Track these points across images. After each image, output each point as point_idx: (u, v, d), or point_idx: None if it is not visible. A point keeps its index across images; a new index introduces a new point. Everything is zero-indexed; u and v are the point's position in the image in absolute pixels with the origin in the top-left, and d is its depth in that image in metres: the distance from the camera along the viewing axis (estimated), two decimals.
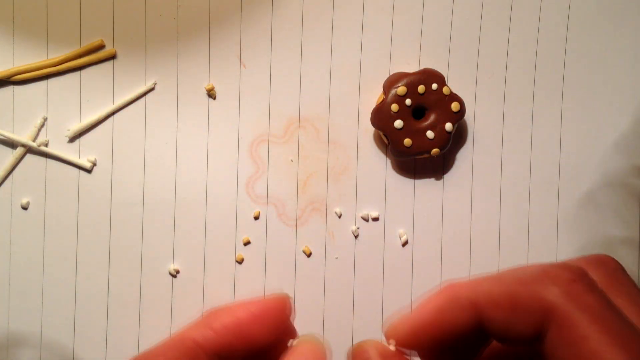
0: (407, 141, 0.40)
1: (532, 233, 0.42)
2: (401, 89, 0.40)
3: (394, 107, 0.40)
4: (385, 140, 0.41)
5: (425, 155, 0.41)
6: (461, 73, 0.42)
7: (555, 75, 0.42)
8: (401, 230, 0.42)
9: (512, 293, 0.20)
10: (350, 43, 0.42)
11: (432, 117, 0.40)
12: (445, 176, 0.43)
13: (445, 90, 0.40)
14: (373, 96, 0.42)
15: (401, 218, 0.42)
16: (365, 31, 0.42)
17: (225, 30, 0.42)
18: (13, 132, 0.42)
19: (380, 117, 0.40)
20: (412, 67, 0.42)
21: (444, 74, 0.42)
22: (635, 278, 0.42)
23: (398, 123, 0.40)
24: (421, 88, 0.40)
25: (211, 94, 0.42)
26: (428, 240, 0.42)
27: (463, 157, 0.43)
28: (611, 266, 0.21)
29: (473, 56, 0.42)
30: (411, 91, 0.40)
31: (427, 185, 0.42)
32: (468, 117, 0.42)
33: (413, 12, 0.42)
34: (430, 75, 0.40)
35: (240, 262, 0.42)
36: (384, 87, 0.41)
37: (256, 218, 0.42)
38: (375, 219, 0.42)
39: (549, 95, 0.42)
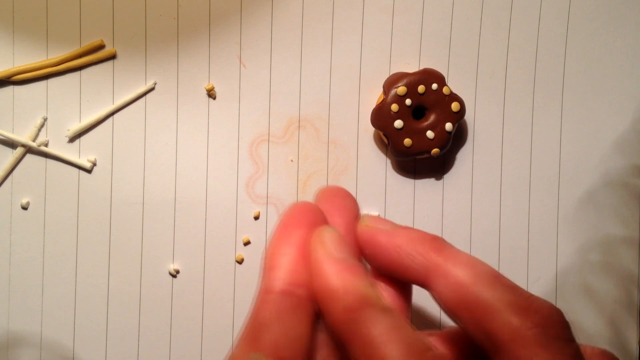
0: (407, 141, 0.40)
1: (532, 233, 0.42)
2: (401, 89, 0.40)
3: (394, 107, 0.40)
4: (385, 140, 0.41)
5: (425, 155, 0.41)
6: (461, 73, 0.42)
7: (555, 75, 0.42)
8: None
9: None
10: (350, 43, 0.42)
11: (432, 117, 0.40)
12: (445, 176, 0.43)
13: (445, 90, 0.40)
14: (373, 96, 0.42)
15: (401, 218, 0.42)
16: (365, 31, 0.42)
17: (225, 30, 0.42)
18: (13, 132, 0.42)
19: (380, 117, 0.40)
20: (412, 67, 0.42)
21: (444, 74, 0.42)
22: (635, 278, 0.42)
23: (398, 123, 0.40)
24: (421, 88, 0.40)
25: (211, 94, 0.42)
26: None
27: (463, 157, 0.42)
28: (551, 329, 0.20)
29: (473, 56, 0.42)
30: (411, 91, 0.40)
31: (427, 185, 0.42)
32: (468, 117, 0.42)
33: (413, 12, 0.42)
34: (430, 75, 0.40)
35: (240, 262, 0.42)
36: (384, 87, 0.41)
37: (256, 218, 0.42)
38: None
39: (549, 95, 0.42)
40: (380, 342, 0.20)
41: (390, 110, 0.40)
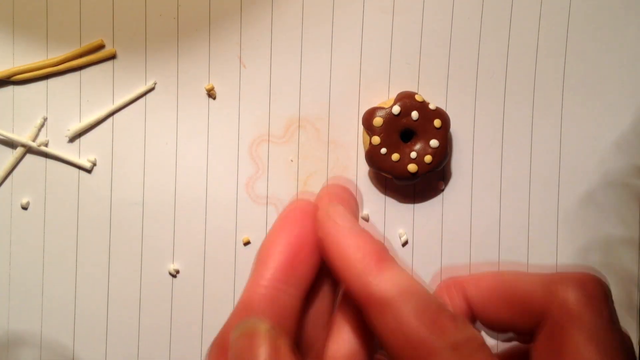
0: (412, 167, 0.40)
1: (532, 233, 0.42)
2: (380, 123, 0.40)
3: (384, 150, 0.40)
4: (389, 176, 0.41)
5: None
6: (461, 73, 0.42)
7: (556, 76, 0.42)
8: (401, 230, 0.42)
9: (511, 291, 0.21)
10: (350, 43, 0.42)
11: (420, 138, 0.40)
12: (446, 176, 0.43)
13: (427, 109, 0.40)
14: (373, 96, 0.42)
15: (401, 217, 0.42)
16: (365, 31, 0.42)
17: (225, 30, 0.42)
18: (13, 132, 0.42)
19: (375, 161, 0.40)
20: (412, 67, 0.42)
21: (444, 74, 0.42)
22: (635, 278, 0.42)
23: (395, 156, 0.40)
24: (397, 110, 0.40)
25: (211, 94, 0.42)
26: (428, 240, 0.42)
27: (463, 157, 0.43)
28: (589, 290, 0.20)
29: (473, 56, 0.42)
30: (390, 122, 0.40)
31: (427, 185, 0.42)
32: (468, 117, 0.42)
33: (413, 12, 0.42)
34: (404, 98, 0.40)
35: (239, 262, 0.42)
36: (363, 124, 0.41)
37: (256, 218, 0.42)
38: (375, 219, 0.42)
39: (549, 95, 0.42)
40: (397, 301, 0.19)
41: (380, 153, 0.40)
